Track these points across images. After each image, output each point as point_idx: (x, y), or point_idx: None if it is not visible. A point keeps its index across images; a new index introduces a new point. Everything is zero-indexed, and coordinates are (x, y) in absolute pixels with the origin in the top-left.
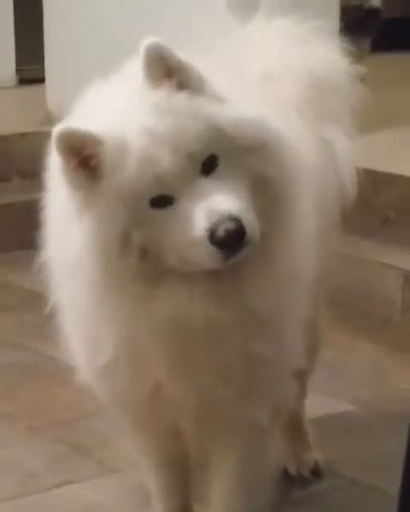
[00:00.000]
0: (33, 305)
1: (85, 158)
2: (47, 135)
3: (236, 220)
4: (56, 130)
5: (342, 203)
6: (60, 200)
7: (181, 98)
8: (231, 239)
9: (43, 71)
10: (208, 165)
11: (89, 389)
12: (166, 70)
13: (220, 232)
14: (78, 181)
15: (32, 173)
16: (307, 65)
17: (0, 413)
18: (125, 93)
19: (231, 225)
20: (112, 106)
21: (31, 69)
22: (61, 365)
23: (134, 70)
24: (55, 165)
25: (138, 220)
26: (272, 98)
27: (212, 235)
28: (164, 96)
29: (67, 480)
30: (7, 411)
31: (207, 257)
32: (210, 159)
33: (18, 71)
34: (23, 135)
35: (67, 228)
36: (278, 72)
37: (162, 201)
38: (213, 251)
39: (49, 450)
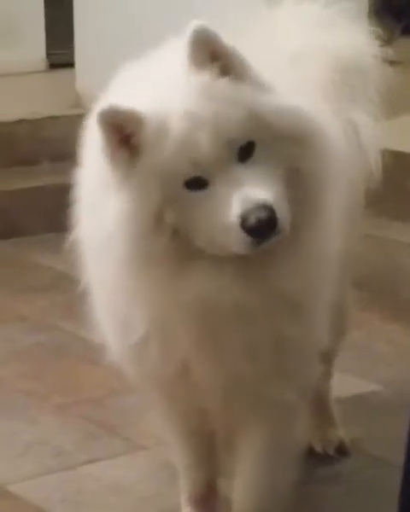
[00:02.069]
0: (63, 287)
1: (127, 136)
2: (77, 118)
3: (268, 209)
4: (100, 107)
5: (367, 185)
6: (94, 176)
7: (224, 84)
8: (262, 227)
9: (73, 55)
10: (245, 152)
11: (117, 368)
12: (211, 54)
13: (252, 220)
14: (118, 158)
15: (62, 156)
16: (333, 47)
17: (30, 391)
18: (168, 74)
19: (263, 214)
20: (154, 86)
21: (61, 54)
22: (90, 345)
23: (176, 50)
24: (95, 141)
25: (172, 200)
26: (299, 81)
27: (243, 222)
28: (208, 80)
29: (95, 458)
30: (36, 390)
31: (237, 243)
32: (248, 146)
33: (48, 55)
34: (53, 118)
35: (100, 205)
36: (305, 55)
37: (197, 183)
38: (243, 237)
39: (78, 428)
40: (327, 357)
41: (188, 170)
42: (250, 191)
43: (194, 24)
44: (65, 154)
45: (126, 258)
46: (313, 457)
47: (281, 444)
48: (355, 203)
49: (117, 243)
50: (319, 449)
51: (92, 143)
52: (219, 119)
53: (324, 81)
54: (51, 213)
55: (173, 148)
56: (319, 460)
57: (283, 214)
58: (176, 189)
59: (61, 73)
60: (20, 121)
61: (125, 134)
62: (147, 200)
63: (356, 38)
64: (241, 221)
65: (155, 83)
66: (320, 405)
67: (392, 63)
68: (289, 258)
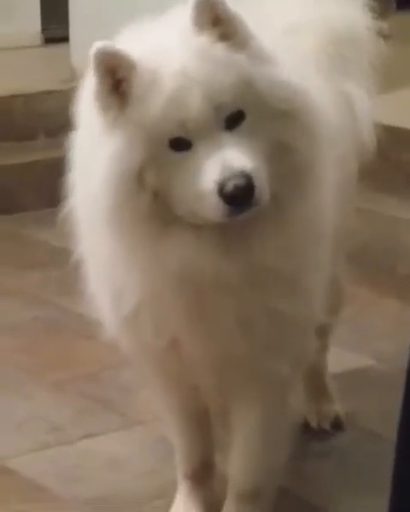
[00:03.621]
0: (58, 262)
1: (118, 81)
2: (72, 92)
3: (247, 177)
4: (95, 46)
5: (361, 158)
6: (87, 138)
7: (222, 48)
8: (239, 195)
9: (68, 30)
10: (233, 121)
11: (112, 343)
12: (214, 18)
13: (229, 187)
14: (108, 104)
15: (57, 131)
16: (327, 19)
17: (25, 367)
18: (169, 32)
19: (240, 181)
20: (152, 41)
21: (56, 28)
22: (86, 320)
23: (182, 15)
24: (87, 101)
25: (154, 158)
26: (293, 51)
27: (221, 189)
28: (206, 42)
29: (91, 433)
30: (32, 366)
31: (213, 209)
32: (237, 114)
33: (43, 30)
34: (48, 93)
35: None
36: (300, 25)
37: (181, 144)
38: (219, 204)
39: (74, 403)
40: (323, 332)
41: (174, 128)
42: (231, 159)
43: None
44: (60, 129)
45: (111, 218)
46: (308, 432)
47: (275, 418)
48: (348, 177)
49: (102, 202)
50: (314, 424)
51: (85, 104)
52: (212, 82)
53: (318, 52)
54: (47, 188)
55: (162, 104)
56: (314, 435)
57: (261, 185)
58: (159, 147)
59: (57, 48)
60: (16, 96)
61: (116, 79)
62: (130, 153)
63: (350, 10)
64: (218, 187)
65: (152, 39)
66: (316, 380)
67: (385, 37)
68: (273, 233)
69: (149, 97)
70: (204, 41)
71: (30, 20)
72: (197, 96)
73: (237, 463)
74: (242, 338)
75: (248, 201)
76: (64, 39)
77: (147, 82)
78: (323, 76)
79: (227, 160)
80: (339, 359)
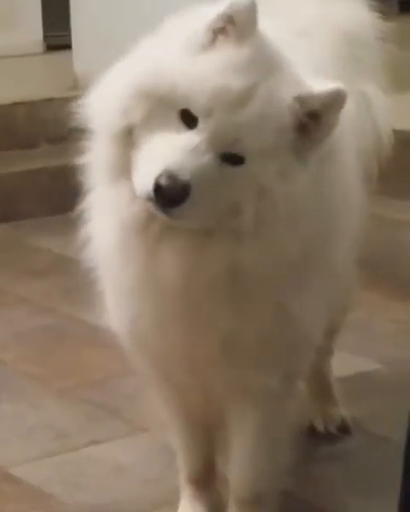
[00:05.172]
0: (63, 270)
1: (222, 29)
2: (75, 100)
3: (180, 183)
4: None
5: (379, 157)
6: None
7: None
8: (165, 193)
9: (70, 37)
10: (233, 159)
11: (118, 351)
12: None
13: (162, 180)
14: (199, 38)
15: (60, 138)
16: (335, 20)
17: (31, 375)
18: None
19: (168, 182)
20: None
21: (58, 36)
22: (91, 328)
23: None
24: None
25: (149, 118)
26: (310, 55)
27: (159, 177)
28: (291, 105)
29: (96, 440)
30: (38, 373)
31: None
32: (237, 157)
33: (45, 38)
34: (50, 100)
35: None
36: (309, 28)
37: (188, 119)
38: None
39: (79, 410)
40: (329, 335)
41: (202, 101)
42: (188, 157)
43: None
44: (63, 137)
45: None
46: (314, 436)
47: (271, 426)
48: (366, 174)
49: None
50: (320, 427)
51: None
52: (262, 119)
53: (331, 54)
54: (50, 196)
55: (217, 73)
56: (321, 439)
57: (189, 208)
58: (163, 110)
59: (59, 55)
60: (18, 103)
61: (223, 27)
62: (148, 84)
63: (357, 11)
64: (158, 175)
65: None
66: (321, 384)
67: (387, 40)
68: (255, 236)
69: (212, 59)
70: (287, 102)
71: (32, 27)
72: (243, 104)
73: (236, 470)
74: (223, 352)
75: (171, 202)
76: (66, 47)
77: (229, 58)
78: (341, 78)
79: (182, 157)
80: (345, 363)
